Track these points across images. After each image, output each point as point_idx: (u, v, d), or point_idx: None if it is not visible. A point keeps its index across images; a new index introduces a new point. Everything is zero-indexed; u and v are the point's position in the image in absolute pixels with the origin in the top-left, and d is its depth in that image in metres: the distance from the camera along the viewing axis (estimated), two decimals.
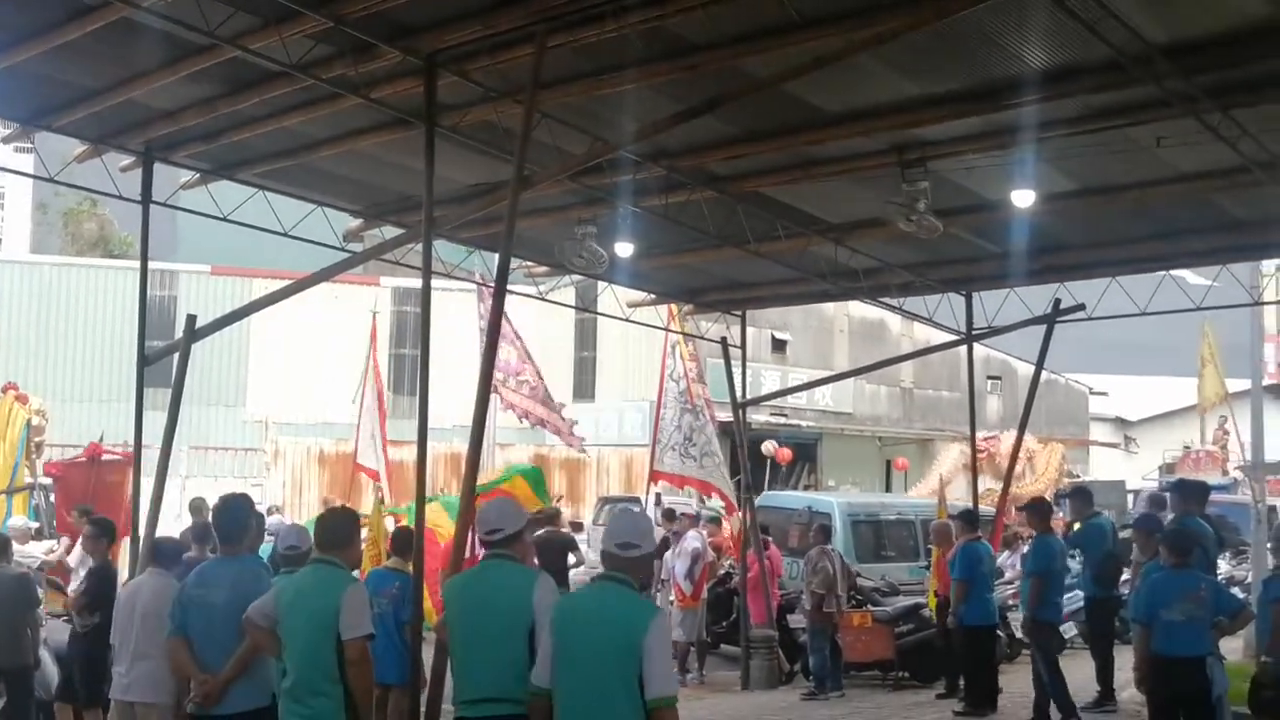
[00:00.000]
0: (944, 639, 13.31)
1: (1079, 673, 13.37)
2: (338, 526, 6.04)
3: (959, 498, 23.11)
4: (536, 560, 11.96)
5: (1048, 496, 29.09)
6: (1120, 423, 56.72)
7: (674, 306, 17.49)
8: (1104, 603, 12.45)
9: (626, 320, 17.22)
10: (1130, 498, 31.52)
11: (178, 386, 10.98)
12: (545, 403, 18.47)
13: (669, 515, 16.09)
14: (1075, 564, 14.09)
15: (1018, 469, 32.21)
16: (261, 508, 18.31)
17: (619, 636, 4.65)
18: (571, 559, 15.17)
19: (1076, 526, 13.43)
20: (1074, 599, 15.41)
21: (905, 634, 14.14)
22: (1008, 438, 31.44)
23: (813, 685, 13.50)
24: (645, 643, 4.61)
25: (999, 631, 12.66)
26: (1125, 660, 10.90)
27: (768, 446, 30.35)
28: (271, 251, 27.60)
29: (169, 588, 6.96)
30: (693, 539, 14.77)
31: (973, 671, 12.15)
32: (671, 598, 14.96)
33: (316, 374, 35.32)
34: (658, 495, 20.60)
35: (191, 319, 11.14)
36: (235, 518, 6.60)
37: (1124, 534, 15.03)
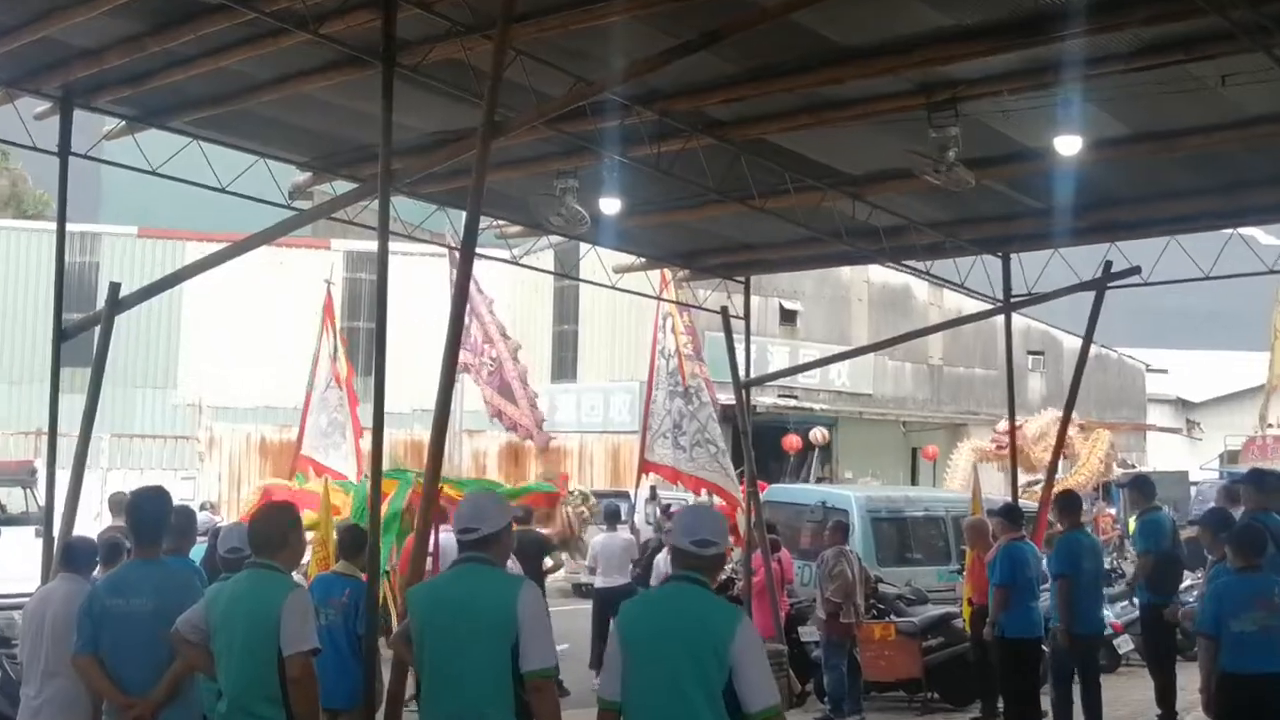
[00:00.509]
0: (980, 654, 13.32)
1: (1136, 693, 13.44)
2: (273, 525, 6.03)
3: (994, 490, 23.14)
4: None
5: (1092, 490, 29.34)
6: (1182, 404, 56.90)
7: (667, 272, 17.47)
8: (1161, 611, 12.49)
9: (612, 288, 17.19)
10: (1194, 490, 31.65)
11: (99, 365, 10.94)
12: (504, 390, 18.45)
13: (669, 513, 16.08)
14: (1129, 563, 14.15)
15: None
16: (194, 504, 18.34)
17: (701, 644, 4.75)
18: (548, 563, 15.22)
19: (1132, 523, 13.45)
20: (1128, 609, 15.49)
21: (935, 648, 14.15)
22: (1036, 422, 31.70)
23: (828, 708, 13.52)
24: (733, 650, 4.70)
25: (1044, 645, 12.64)
26: (1190, 678, 10.90)
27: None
28: (207, 211, 27.43)
29: (83, 595, 6.92)
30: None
31: (1014, 692, 12.14)
32: None
33: (258, 351, 35.23)
34: (652, 489, 20.64)
35: (115, 287, 11.10)
36: (152, 514, 6.57)
37: (1188, 532, 15.10)
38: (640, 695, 4.85)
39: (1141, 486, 13.53)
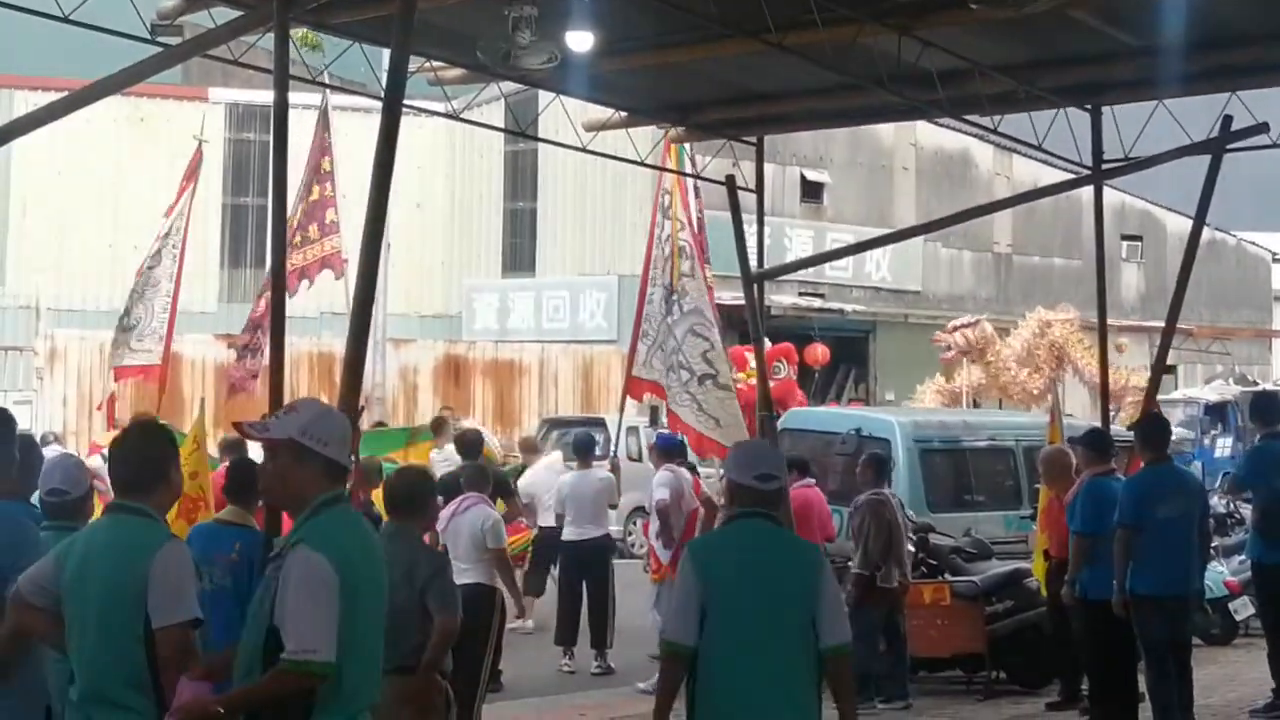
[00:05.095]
0: (1059, 622, 13.44)
1: (1256, 669, 13.60)
2: (144, 454, 5.94)
3: (1072, 414, 23.24)
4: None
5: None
6: None
7: (672, 135, 17.32)
8: (1277, 569, 12.61)
9: (583, 152, 17.09)
10: None
11: None
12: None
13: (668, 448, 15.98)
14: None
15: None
16: (34, 435, 18.38)
17: (793, 578, 6.27)
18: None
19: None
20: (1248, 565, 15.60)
21: (1000, 615, 14.25)
22: (1022, 333, 31.99)
23: (860, 695, 13.59)
24: (819, 584, 6.29)
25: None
26: None
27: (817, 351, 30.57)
28: (43, 49, 27.16)
29: None
30: (660, 484, 14.84)
31: (1100, 669, 12.26)
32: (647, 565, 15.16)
33: (113, 235, 35.04)
34: (654, 410, 20.67)
35: None
36: None
37: None
38: (734, 634, 6.14)
39: (1259, 407, 13.55)
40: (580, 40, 13.18)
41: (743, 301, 16.69)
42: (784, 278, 29.51)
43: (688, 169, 17.39)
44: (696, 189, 17.50)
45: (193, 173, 20.03)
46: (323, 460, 5.48)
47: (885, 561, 13.51)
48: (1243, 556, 15.84)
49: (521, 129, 22.17)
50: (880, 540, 13.49)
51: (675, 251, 16.90)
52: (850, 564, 13.65)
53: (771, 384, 17.53)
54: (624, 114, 17.09)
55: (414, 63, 13.21)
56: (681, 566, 6.57)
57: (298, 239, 18.23)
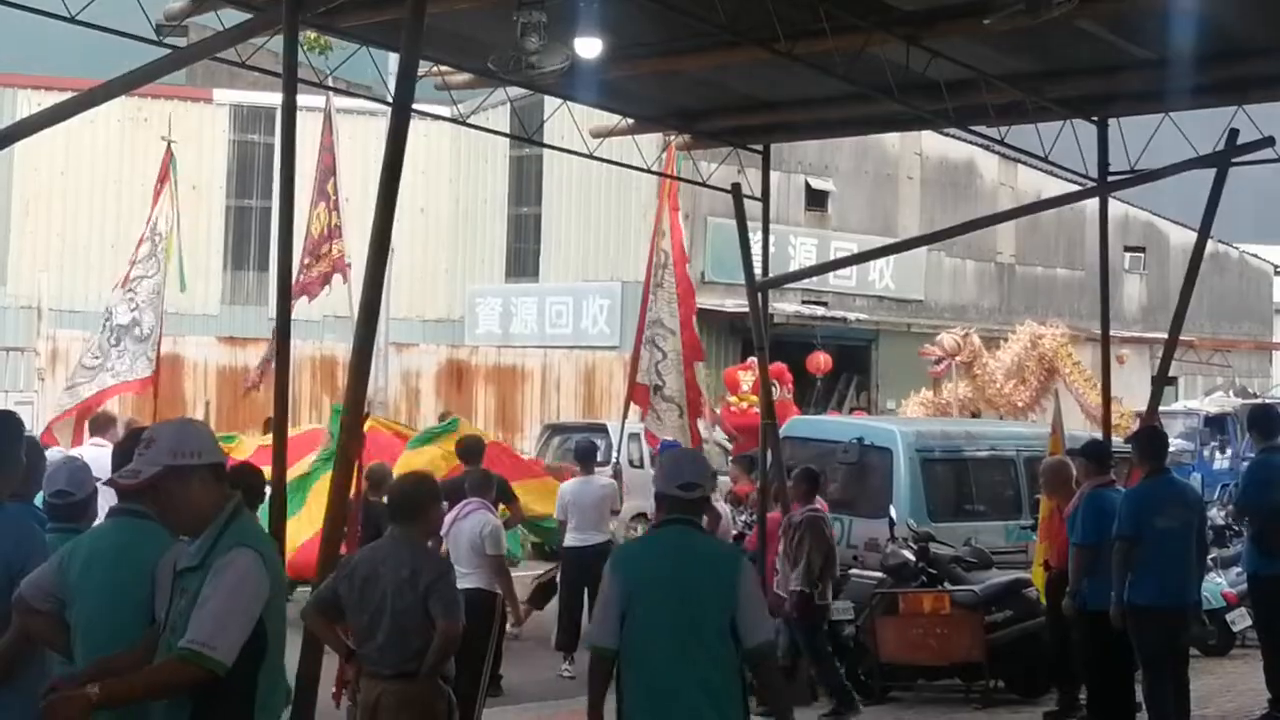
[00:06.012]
0: (1058, 632, 13.47)
1: (1253, 679, 13.62)
2: None
3: (1074, 427, 23.21)
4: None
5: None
6: None
7: (674, 141, 17.36)
8: (1274, 581, 12.63)
9: (589, 158, 17.11)
10: None
11: None
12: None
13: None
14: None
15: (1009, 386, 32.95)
16: (36, 436, 18.39)
17: (714, 583, 6.56)
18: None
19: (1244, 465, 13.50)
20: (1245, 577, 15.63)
21: (1000, 625, 14.26)
22: (1014, 345, 31.92)
23: (834, 703, 13.59)
24: (739, 588, 6.55)
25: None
26: None
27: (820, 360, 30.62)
28: (47, 49, 27.16)
29: None
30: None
31: (1098, 679, 12.30)
32: None
33: (114, 236, 34.97)
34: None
35: None
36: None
37: None
38: (653, 637, 6.50)
39: (1259, 420, 13.56)
40: (588, 46, 13.19)
41: (747, 309, 16.73)
42: (787, 286, 29.51)
43: (687, 170, 17.47)
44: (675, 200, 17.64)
45: (165, 174, 20.15)
46: (204, 468, 5.48)
47: (823, 578, 13.56)
48: (1240, 568, 15.90)
49: (527, 134, 22.23)
50: (821, 556, 13.53)
51: (654, 261, 17.05)
52: (791, 582, 13.68)
53: None
54: (630, 121, 17.11)
55: (421, 67, 13.24)
56: (604, 572, 6.88)
57: (326, 248, 18.25)
